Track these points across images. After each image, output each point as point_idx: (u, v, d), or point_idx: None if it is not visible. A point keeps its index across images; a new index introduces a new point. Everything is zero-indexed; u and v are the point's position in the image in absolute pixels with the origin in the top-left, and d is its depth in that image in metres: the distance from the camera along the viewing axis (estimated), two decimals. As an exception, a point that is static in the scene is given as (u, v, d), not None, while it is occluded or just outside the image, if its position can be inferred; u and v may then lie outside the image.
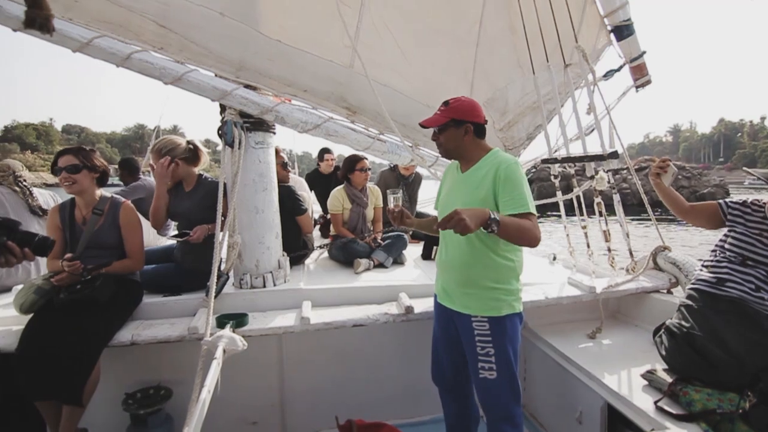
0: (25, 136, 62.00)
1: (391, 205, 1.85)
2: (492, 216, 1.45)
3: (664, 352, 1.89)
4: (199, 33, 2.27)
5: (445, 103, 1.80)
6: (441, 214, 1.87)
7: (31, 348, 1.86)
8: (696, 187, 22.78)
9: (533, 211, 1.63)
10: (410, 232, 3.74)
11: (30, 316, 2.02)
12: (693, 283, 1.96)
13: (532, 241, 1.58)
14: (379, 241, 3.26)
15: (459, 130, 1.76)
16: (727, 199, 2.03)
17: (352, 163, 3.45)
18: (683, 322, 1.85)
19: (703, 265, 1.99)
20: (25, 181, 2.97)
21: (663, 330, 1.96)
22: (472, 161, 1.81)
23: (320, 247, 3.34)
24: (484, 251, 1.71)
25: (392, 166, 4.59)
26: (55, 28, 1.88)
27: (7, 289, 2.63)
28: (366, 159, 3.48)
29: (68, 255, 2.06)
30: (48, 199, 3.07)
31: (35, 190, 3.03)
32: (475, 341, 1.73)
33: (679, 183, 22.24)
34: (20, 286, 2.16)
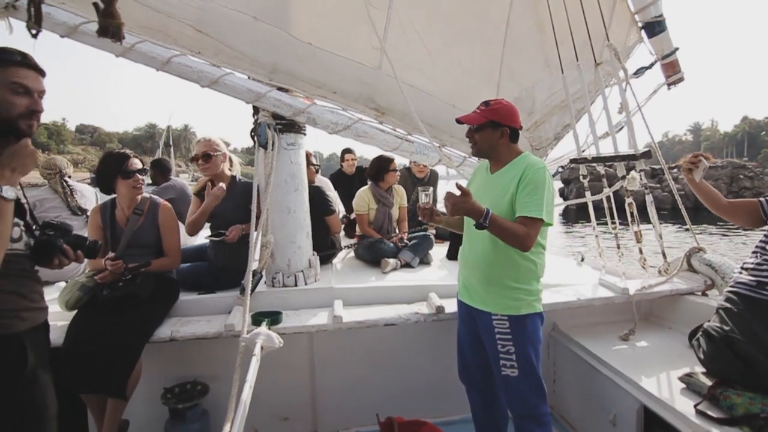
0: (37, 136, 62.73)
1: (422, 202, 1.86)
2: (486, 216, 1.59)
3: (702, 356, 1.86)
4: (234, 37, 2.33)
5: (486, 104, 1.81)
6: None
7: (77, 343, 1.94)
8: (760, 188, 20.49)
9: (545, 218, 1.66)
10: (435, 232, 3.74)
11: (75, 312, 2.10)
12: (732, 286, 1.93)
13: (519, 247, 1.65)
14: (406, 241, 3.27)
15: (496, 132, 1.78)
16: None
17: (385, 163, 3.46)
18: (723, 326, 1.82)
19: (742, 267, 1.94)
20: (69, 177, 3.07)
21: (701, 333, 1.92)
22: (502, 163, 1.84)
23: (347, 247, 3.38)
24: (506, 251, 1.72)
25: (407, 166, 4.60)
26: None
27: (47, 283, 2.72)
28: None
29: (110, 254, 2.13)
30: (92, 195, 3.16)
31: (81, 186, 3.12)
32: (496, 339, 1.75)
33: (741, 183, 20.36)
34: (63, 284, 2.24)
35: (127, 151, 2.28)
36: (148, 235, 2.27)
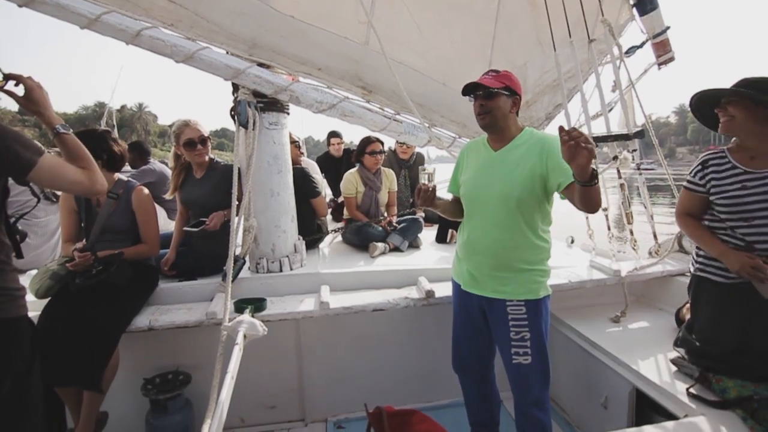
0: (-26, 118, 57.30)
1: (425, 182, 1.76)
2: (596, 174, 1.37)
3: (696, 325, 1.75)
4: (210, 8, 2.18)
5: (495, 71, 1.70)
6: (470, 194, 1.79)
7: (49, 334, 1.83)
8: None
9: None
10: (424, 215, 3.67)
11: (46, 301, 1.99)
12: None
13: (598, 205, 1.48)
14: (395, 224, 3.19)
15: (509, 100, 1.68)
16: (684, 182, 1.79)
17: (363, 145, 3.36)
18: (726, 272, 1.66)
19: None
20: None
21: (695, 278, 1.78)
22: (506, 139, 1.73)
23: (334, 231, 3.29)
24: (523, 232, 1.65)
25: (392, 149, 4.46)
26: (64, 4, 1.81)
27: (20, 271, 2.60)
28: (379, 142, 3.38)
29: (79, 244, 2.02)
30: None
31: None
32: (509, 326, 1.67)
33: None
34: (34, 272, 2.12)
35: (107, 129, 2.15)
36: (122, 220, 2.15)
